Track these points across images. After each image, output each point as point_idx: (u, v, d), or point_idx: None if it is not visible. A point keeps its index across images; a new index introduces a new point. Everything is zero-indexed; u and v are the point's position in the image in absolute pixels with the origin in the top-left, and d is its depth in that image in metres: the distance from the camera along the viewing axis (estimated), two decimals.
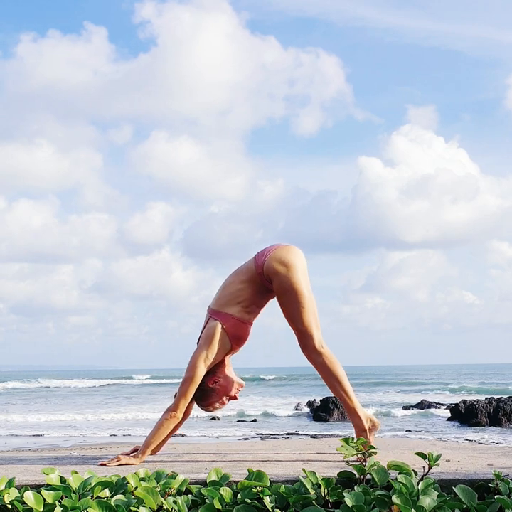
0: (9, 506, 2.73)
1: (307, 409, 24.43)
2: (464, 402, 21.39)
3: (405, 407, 26.26)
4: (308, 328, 3.69)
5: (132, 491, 2.78)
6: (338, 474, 2.97)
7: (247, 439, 15.75)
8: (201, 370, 3.70)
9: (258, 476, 2.85)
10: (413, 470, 2.92)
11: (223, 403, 3.87)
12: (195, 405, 3.89)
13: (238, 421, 21.67)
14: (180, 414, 3.72)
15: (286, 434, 17.17)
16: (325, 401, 22.74)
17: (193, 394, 3.72)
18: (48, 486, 2.81)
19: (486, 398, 21.98)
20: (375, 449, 3.09)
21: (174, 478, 2.86)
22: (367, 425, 3.74)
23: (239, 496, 2.77)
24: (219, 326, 3.73)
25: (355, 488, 2.81)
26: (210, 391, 3.80)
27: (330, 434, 16.46)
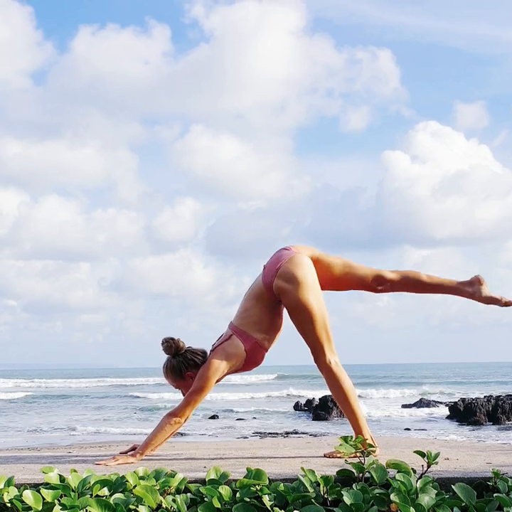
0: (8, 505, 2.73)
1: (306, 408, 24.42)
2: (463, 400, 21.41)
3: (404, 406, 26.29)
4: (319, 343, 3.76)
5: (131, 490, 2.78)
6: (337, 473, 2.98)
7: (246, 437, 15.75)
8: (212, 383, 3.75)
9: (257, 474, 2.85)
10: (412, 468, 2.92)
11: (176, 388, 3.95)
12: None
13: (237, 420, 21.67)
14: (184, 421, 3.75)
15: (285, 432, 17.16)
16: (324, 399, 22.73)
17: (199, 403, 3.78)
18: (47, 485, 2.81)
19: (485, 396, 21.99)
20: (374, 447, 3.09)
21: (173, 477, 2.86)
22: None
23: (238, 495, 2.77)
24: (242, 347, 3.78)
25: (354, 486, 2.81)
26: (181, 377, 3.87)
27: (329, 432, 16.47)
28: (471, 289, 3.91)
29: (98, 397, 34.00)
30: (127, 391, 39.80)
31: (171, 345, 3.87)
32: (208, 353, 3.90)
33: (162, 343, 3.89)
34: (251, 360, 3.83)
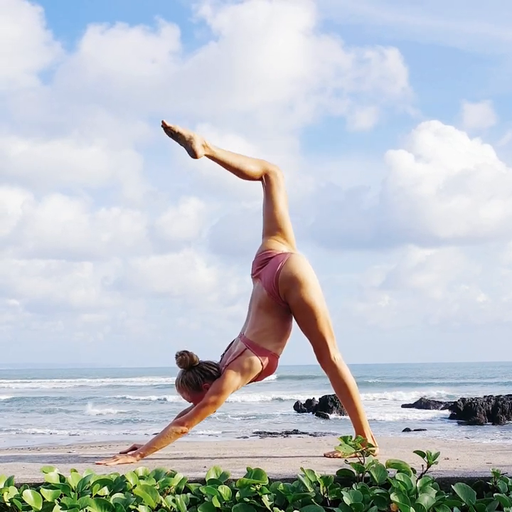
0: (8, 505, 2.73)
1: (306, 408, 24.43)
2: (463, 400, 21.42)
3: (404, 406, 26.30)
4: (323, 340, 3.79)
5: (131, 490, 2.78)
6: (336, 472, 2.98)
7: (246, 437, 15.76)
8: (225, 397, 3.75)
9: (257, 474, 2.85)
10: (412, 468, 2.92)
11: (190, 401, 3.92)
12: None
13: (237, 419, 21.68)
14: (189, 430, 3.76)
15: (285, 432, 17.17)
16: (324, 399, 22.74)
17: (208, 415, 3.80)
18: (47, 485, 2.81)
19: (485, 396, 22.00)
20: (374, 447, 3.09)
21: (173, 477, 2.86)
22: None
23: (238, 494, 2.77)
24: (258, 362, 3.77)
25: (354, 486, 2.81)
26: (198, 389, 3.82)
27: (329, 432, 16.47)
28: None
29: (80, 399, 33.69)
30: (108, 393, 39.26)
31: (186, 359, 3.83)
32: (219, 363, 3.89)
33: (176, 357, 3.85)
34: (266, 371, 3.84)
